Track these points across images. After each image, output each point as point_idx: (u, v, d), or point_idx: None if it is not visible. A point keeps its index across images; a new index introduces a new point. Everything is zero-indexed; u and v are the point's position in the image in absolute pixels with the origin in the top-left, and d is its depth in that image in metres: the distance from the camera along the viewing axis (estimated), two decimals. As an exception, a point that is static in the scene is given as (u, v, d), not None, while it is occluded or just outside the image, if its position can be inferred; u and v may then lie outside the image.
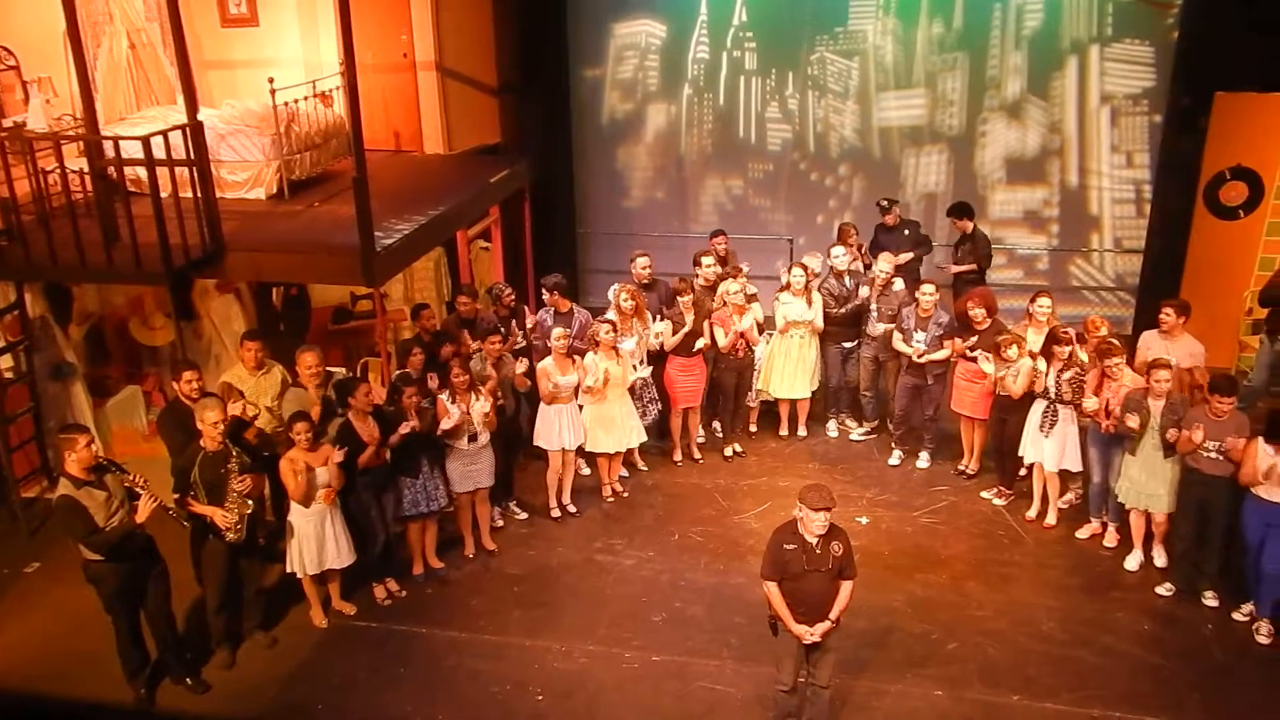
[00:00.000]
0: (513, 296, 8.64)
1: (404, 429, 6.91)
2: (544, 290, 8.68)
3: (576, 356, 8.04)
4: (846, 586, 5.65)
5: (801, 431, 9.45)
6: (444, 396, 7.24)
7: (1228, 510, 6.89)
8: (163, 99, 9.51)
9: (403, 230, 8.05)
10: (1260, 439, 6.57)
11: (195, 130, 7.39)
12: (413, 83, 10.52)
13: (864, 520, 8.12)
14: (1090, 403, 7.37)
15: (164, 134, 7.29)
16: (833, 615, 5.62)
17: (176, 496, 6.31)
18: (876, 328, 8.78)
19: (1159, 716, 6.15)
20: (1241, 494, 6.76)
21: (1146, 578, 7.40)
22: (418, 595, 7.38)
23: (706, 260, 9.07)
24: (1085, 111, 10.79)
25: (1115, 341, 7.56)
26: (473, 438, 7.38)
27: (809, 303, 8.86)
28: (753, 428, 9.47)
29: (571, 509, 8.30)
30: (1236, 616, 6.96)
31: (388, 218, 8.11)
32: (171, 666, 6.50)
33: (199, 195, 7.45)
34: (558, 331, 7.92)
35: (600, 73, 11.69)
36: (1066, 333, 7.68)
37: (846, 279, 9.01)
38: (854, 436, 9.43)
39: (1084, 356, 7.64)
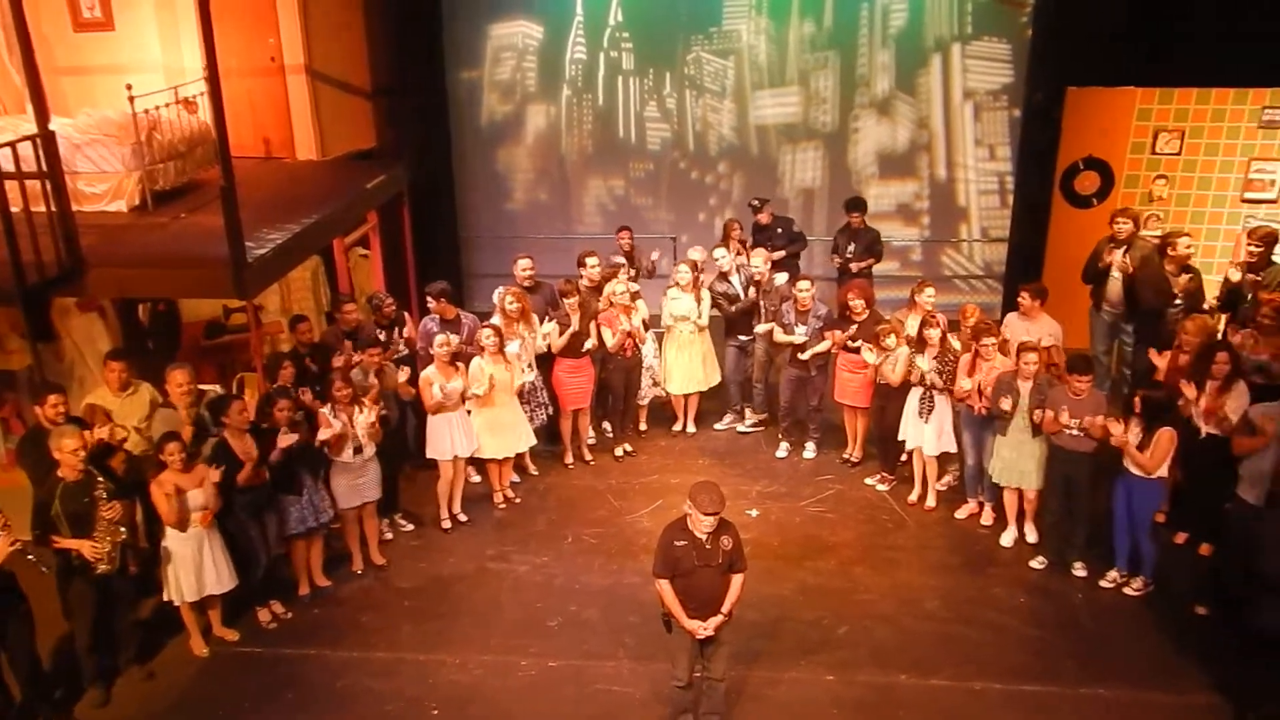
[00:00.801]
0: (393, 306, 8.49)
1: (283, 441, 6.71)
2: (429, 298, 8.55)
3: (460, 363, 7.95)
4: (737, 579, 5.72)
5: (691, 428, 9.54)
6: (326, 409, 7.07)
7: (1090, 484, 7.24)
8: (11, 108, 9.04)
9: (276, 240, 7.81)
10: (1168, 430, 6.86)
11: (47, 140, 7.04)
12: (282, 87, 10.22)
13: (754, 513, 8.24)
14: (964, 383, 7.64)
15: (12, 145, 6.92)
16: (725, 609, 5.68)
17: (37, 534, 5.96)
18: (763, 326, 8.93)
19: (1036, 684, 6.40)
20: (1102, 468, 7.13)
21: (1021, 553, 7.70)
22: (305, 616, 7.17)
23: (591, 261, 9.08)
24: (950, 107, 11.18)
25: (991, 323, 7.87)
26: (358, 450, 7.23)
27: (697, 299, 8.95)
28: (643, 426, 9.52)
29: (463, 518, 8.20)
30: (1103, 584, 7.30)
31: (260, 227, 7.86)
32: (39, 709, 6.15)
33: (53, 209, 7.10)
34: (440, 338, 7.82)
35: (477, 74, 11.59)
36: (934, 317, 7.96)
37: (734, 278, 9.13)
38: (742, 429, 9.56)
39: (956, 344, 7.92)
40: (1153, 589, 7.19)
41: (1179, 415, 7.10)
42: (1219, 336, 7.97)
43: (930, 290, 8.41)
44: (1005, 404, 7.32)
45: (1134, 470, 6.92)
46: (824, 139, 11.46)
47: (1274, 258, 8.48)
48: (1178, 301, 8.49)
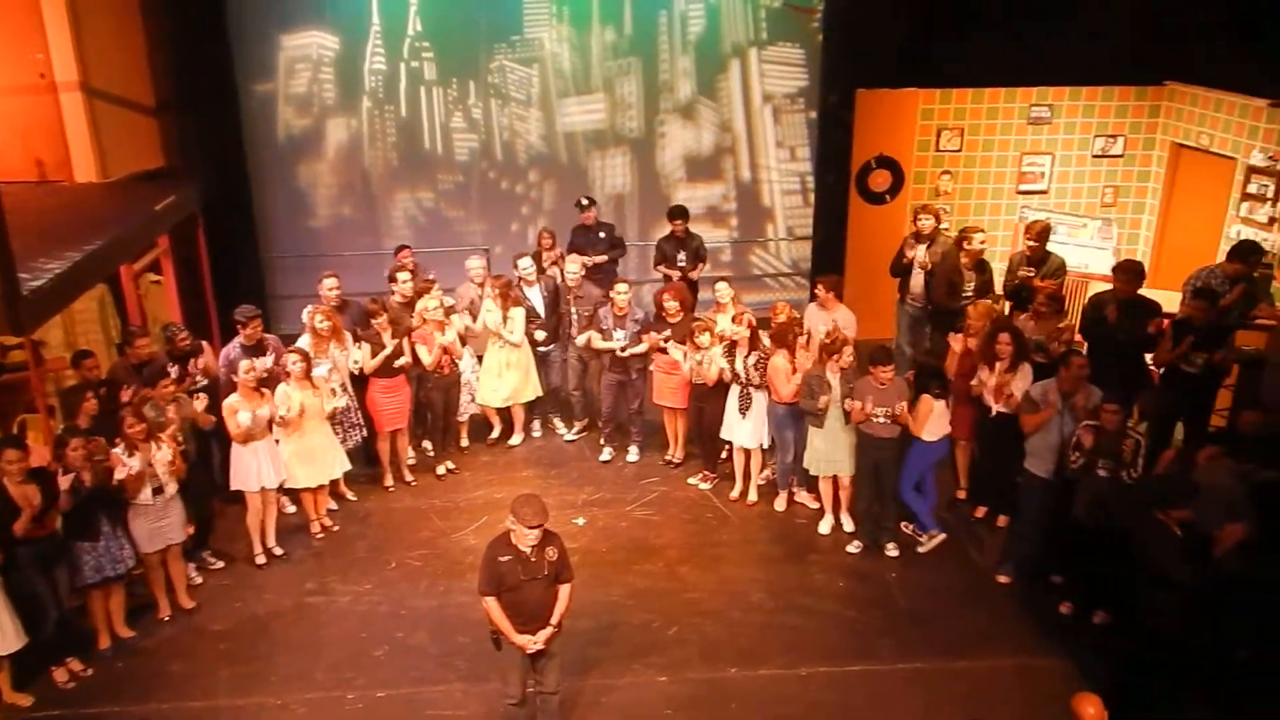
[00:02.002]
0: (187, 338, 8.02)
1: (63, 483, 6.22)
2: (238, 323, 8.11)
3: (266, 389, 7.62)
4: (565, 590, 5.70)
5: (515, 439, 9.46)
6: (118, 449, 6.62)
7: (898, 468, 7.61)
8: None
9: (54, 269, 7.25)
10: (925, 395, 7.34)
11: None
12: (54, 105, 9.51)
13: (581, 521, 8.25)
14: (786, 390, 7.86)
15: None
16: (554, 621, 5.66)
17: None
18: (582, 337, 8.93)
19: (856, 664, 6.68)
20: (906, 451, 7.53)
21: (839, 539, 8.01)
22: (108, 671, 6.69)
23: (402, 276, 8.87)
24: (750, 110, 11.51)
25: (799, 319, 8.13)
26: (158, 490, 6.81)
27: (504, 313, 8.87)
28: (464, 442, 9.37)
29: (278, 551, 7.85)
30: (890, 553, 7.77)
31: (35, 257, 7.28)
32: None
33: None
34: (244, 364, 7.47)
35: (271, 87, 11.13)
36: (740, 316, 8.17)
37: (534, 290, 9.10)
38: (566, 438, 9.55)
39: (768, 341, 8.14)
40: (943, 540, 7.81)
41: (948, 385, 7.64)
42: (1008, 319, 8.50)
43: (721, 285, 8.61)
44: (822, 402, 7.58)
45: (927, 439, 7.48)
46: (631, 144, 11.59)
47: (1049, 248, 9.12)
48: (968, 295, 8.98)
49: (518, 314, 8.90)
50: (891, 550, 7.80)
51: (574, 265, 9.08)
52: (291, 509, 8.26)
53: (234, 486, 7.60)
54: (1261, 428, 6.74)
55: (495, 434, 9.47)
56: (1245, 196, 9.38)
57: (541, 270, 9.37)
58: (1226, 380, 8.56)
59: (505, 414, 9.43)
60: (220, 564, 7.74)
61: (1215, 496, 6.37)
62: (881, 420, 7.42)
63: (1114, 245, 10.30)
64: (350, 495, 8.58)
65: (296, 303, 10.06)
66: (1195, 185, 10.31)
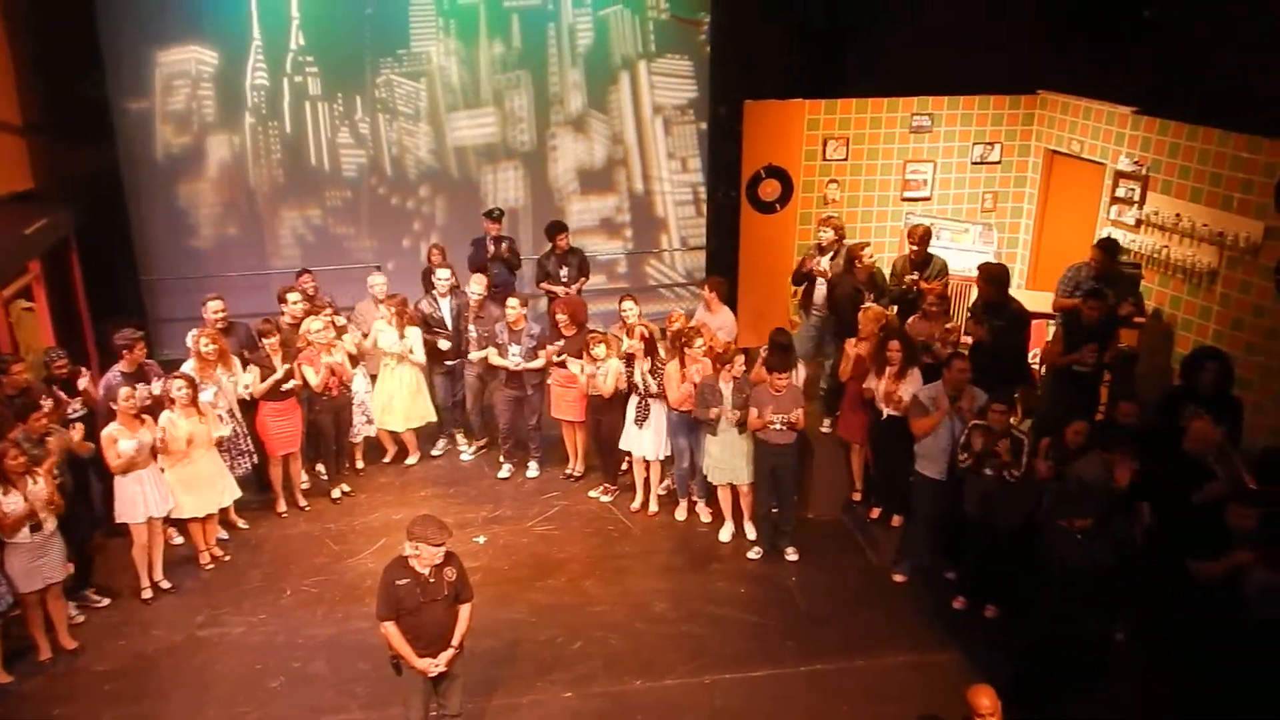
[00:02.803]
0: (64, 364, 7.70)
1: None
2: (119, 347, 7.80)
3: (148, 416, 7.36)
4: (465, 610, 5.66)
5: (411, 459, 9.32)
6: (-10, 488, 6.31)
7: (794, 473, 7.73)
8: None
9: (-87, 300, 6.92)
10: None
11: None
12: (-89, 126, 9.09)
13: (482, 539, 8.17)
14: (676, 396, 7.93)
15: None
16: (455, 642, 5.61)
17: None
18: (480, 353, 8.85)
19: (760, 669, 6.77)
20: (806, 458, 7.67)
21: (739, 546, 8.11)
22: (-18, 719, 6.39)
23: (292, 297, 8.66)
24: (641, 122, 11.60)
25: (696, 327, 8.20)
26: (35, 527, 6.51)
27: (401, 333, 8.75)
28: (359, 464, 9.19)
29: (166, 585, 7.57)
30: (790, 557, 7.91)
31: (-109, 287, 6.94)
32: None
33: None
34: (124, 391, 7.21)
35: (148, 105, 10.77)
36: (635, 328, 8.20)
37: (444, 301, 9.01)
38: (464, 457, 9.45)
39: (662, 352, 8.20)
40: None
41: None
42: (895, 327, 8.72)
43: (628, 304, 8.65)
44: (713, 412, 7.66)
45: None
46: (523, 158, 11.56)
47: (931, 251, 9.38)
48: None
49: (415, 333, 8.78)
50: (791, 554, 7.92)
51: (477, 285, 9.00)
52: (179, 540, 7.99)
53: (119, 519, 7.32)
54: (1137, 419, 7.05)
55: (389, 457, 9.31)
56: (1114, 200, 9.78)
57: (432, 287, 9.25)
58: (1104, 377, 8.95)
59: (398, 436, 9.27)
60: (105, 601, 7.43)
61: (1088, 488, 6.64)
62: (778, 427, 7.53)
63: (995, 249, 10.63)
64: (241, 523, 8.34)
65: (180, 326, 9.75)
66: (1068, 190, 10.72)
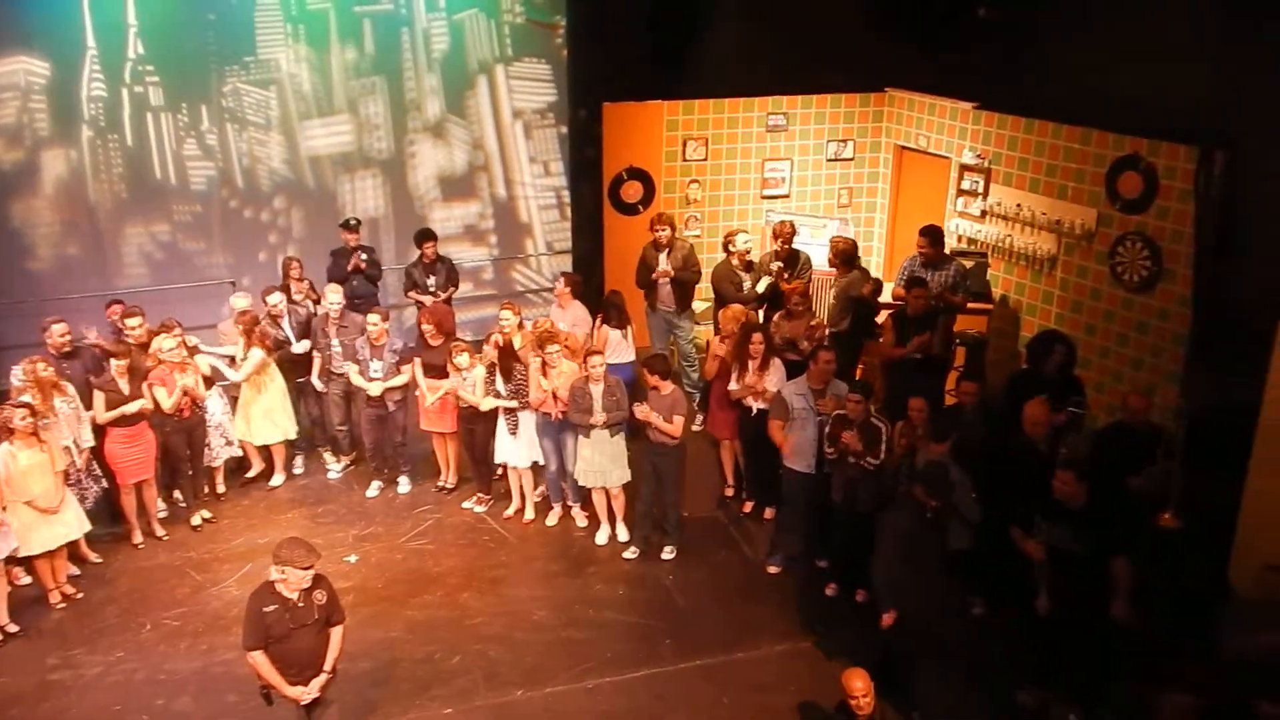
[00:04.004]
0: None
1: None
2: None
3: (-15, 453, 6.95)
4: (337, 633, 5.53)
5: (278, 479, 9.02)
6: None
7: (675, 474, 7.79)
8: None
9: None
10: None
11: None
12: None
13: (353, 559, 7.98)
14: (534, 396, 7.90)
15: None
16: (327, 667, 5.48)
17: None
18: (345, 367, 8.62)
19: (642, 669, 6.81)
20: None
21: (615, 548, 8.13)
22: None
23: (132, 321, 8.28)
24: (501, 127, 11.48)
25: (552, 330, 8.18)
26: None
27: (245, 349, 8.46)
28: (220, 489, 8.85)
29: (12, 629, 7.13)
30: (665, 555, 7.97)
31: None
32: None
33: None
34: (-44, 427, 6.78)
35: (-29, 119, 10.14)
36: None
37: (284, 321, 8.74)
38: (331, 475, 9.21)
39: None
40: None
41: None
42: (758, 321, 8.88)
43: (506, 313, 8.56)
44: (597, 416, 7.65)
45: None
46: (382, 166, 11.30)
47: (795, 247, 9.57)
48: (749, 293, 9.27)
49: (255, 355, 8.46)
50: (667, 553, 7.97)
51: (335, 295, 8.76)
52: (26, 580, 7.54)
53: (-49, 562, 6.88)
54: (977, 396, 7.35)
55: (253, 472, 9.00)
56: (960, 192, 10.22)
57: (292, 302, 9.01)
58: (956, 364, 9.31)
59: (266, 452, 8.98)
60: (-56, 650, 6.98)
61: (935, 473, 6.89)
62: (662, 425, 7.58)
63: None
64: (94, 557, 7.92)
65: (20, 353, 9.15)
66: (918, 184, 11.14)
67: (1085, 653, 6.16)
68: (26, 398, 7.34)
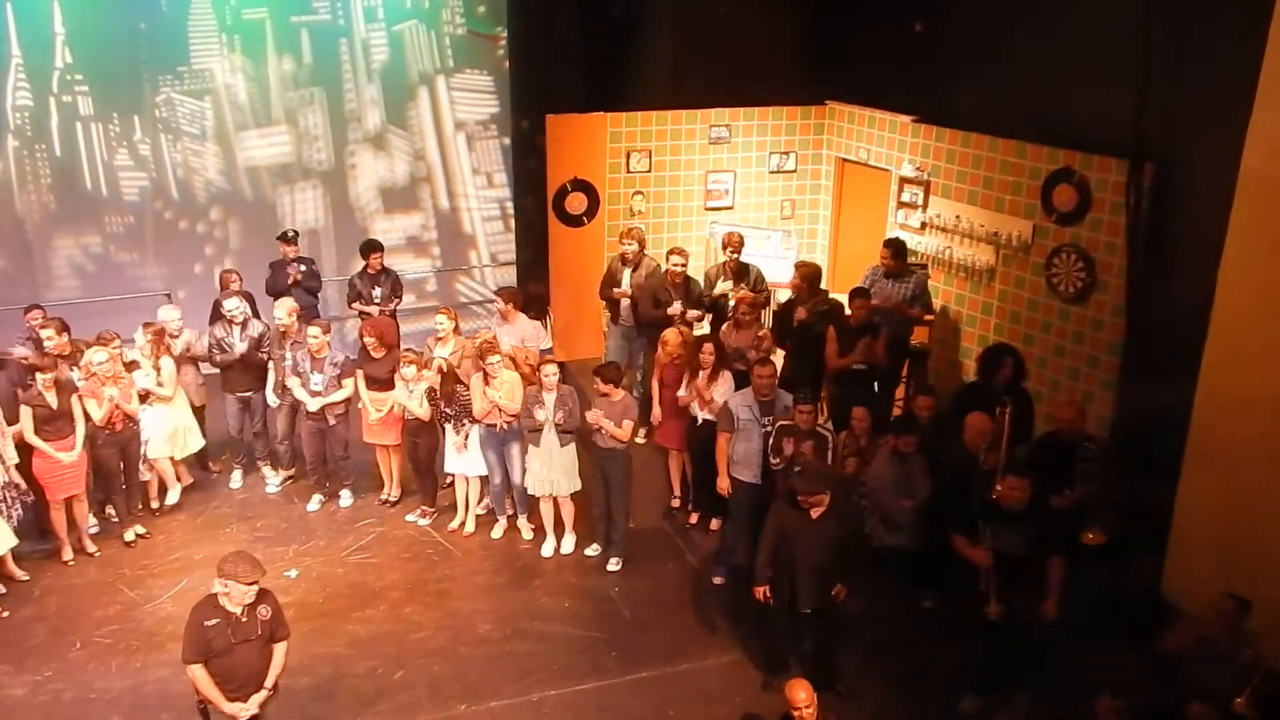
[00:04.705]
0: None
1: None
2: None
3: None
4: (280, 649, 5.45)
5: (171, 495, 8.66)
6: None
7: (622, 482, 7.76)
8: None
9: None
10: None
11: None
12: None
13: (294, 574, 7.81)
14: (479, 408, 7.83)
15: None
16: (268, 683, 5.40)
17: None
18: (291, 381, 8.46)
19: (587, 681, 6.74)
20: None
21: (561, 561, 8.06)
22: None
23: (46, 333, 8.03)
24: (443, 139, 11.42)
25: (492, 341, 8.11)
26: None
27: (156, 367, 8.23)
28: (155, 503, 8.62)
29: (-66, 650, 6.91)
30: (611, 567, 7.94)
31: None
32: None
33: None
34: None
35: (-111, 128, 9.83)
36: (410, 352, 8.19)
37: (236, 329, 8.58)
38: (270, 489, 9.02)
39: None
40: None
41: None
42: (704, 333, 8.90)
43: (441, 317, 8.50)
44: (540, 414, 7.60)
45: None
46: (321, 177, 11.17)
47: (744, 259, 9.61)
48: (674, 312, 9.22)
49: (167, 364, 8.26)
50: (613, 565, 7.93)
51: (282, 310, 8.60)
52: (-54, 601, 7.29)
53: None
54: (932, 410, 7.50)
55: (162, 502, 8.70)
56: (900, 204, 10.36)
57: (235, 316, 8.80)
58: (903, 374, 9.42)
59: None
60: None
61: (890, 477, 7.01)
62: (602, 433, 7.56)
63: (795, 255, 11.03)
64: (21, 575, 7.66)
65: (-58, 367, 8.90)
66: (859, 195, 11.28)
67: (1030, 653, 6.26)
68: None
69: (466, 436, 8.08)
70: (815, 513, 6.18)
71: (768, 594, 6.43)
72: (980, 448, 6.99)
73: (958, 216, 9.64)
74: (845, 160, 11.34)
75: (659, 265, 9.55)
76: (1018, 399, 7.50)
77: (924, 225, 10.08)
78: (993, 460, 6.88)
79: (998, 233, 9.21)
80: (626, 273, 9.50)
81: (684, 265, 9.25)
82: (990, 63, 9.19)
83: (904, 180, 10.28)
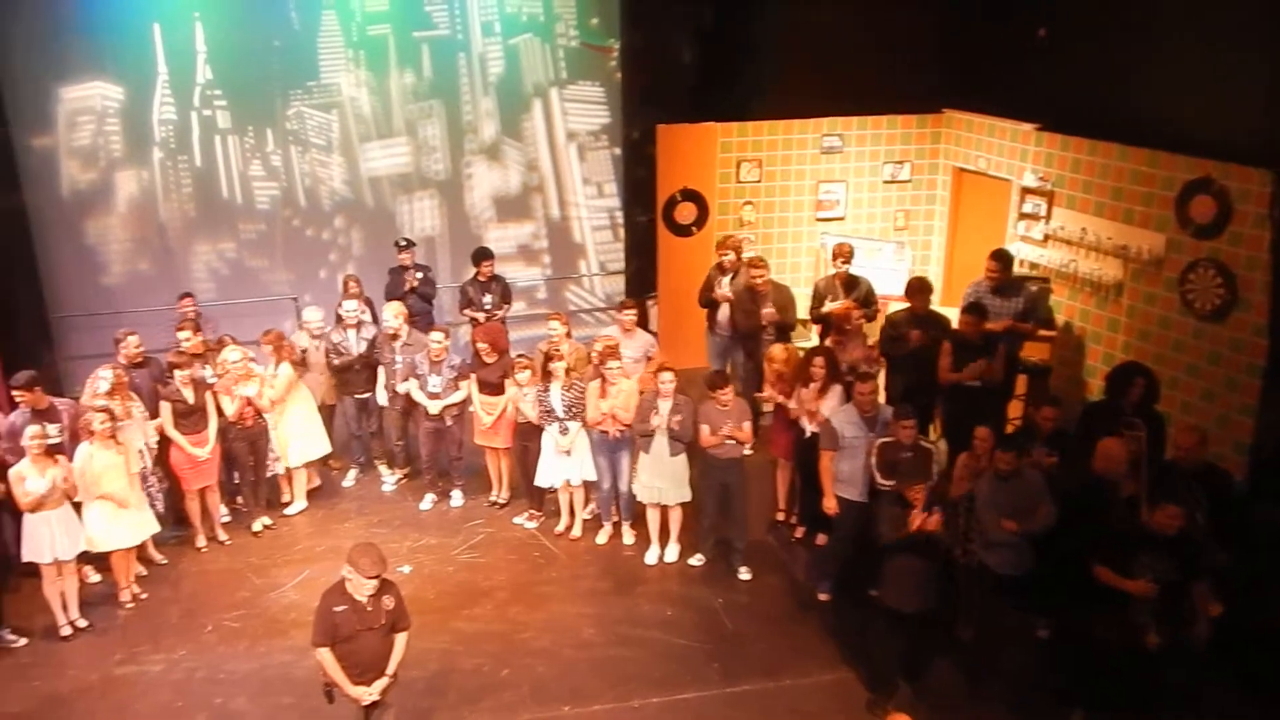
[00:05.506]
0: None
1: None
2: (14, 389, 7.61)
3: (61, 455, 7.19)
4: (401, 639, 5.64)
5: (297, 506, 9.03)
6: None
7: (744, 490, 7.79)
8: None
9: None
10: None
11: None
12: None
13: (407, 569, 8.08)
14: (592, 415, 7.95)
15: None
16: (390, 670, 5.58)
17: None
18: (406, 385, 8.75)
19: (687, 691, 6.78)
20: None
21: (664, 569, 8.12)
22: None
23: (183, 335, 8.50)
24: (555, 149, 11.65)
25: (614, 346, 8.25)
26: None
27: (276, 365, 8.61)
28: (286, 498, 9.03)
29: (82, 623, 7.37)
30: (743, 576, 7.92)
31: None
32: None
33: None
34: (32, 430, 7.03)
35: (51, 141, 10.52)
36: (558, 350, 8.24)
37: (351, 332, 8.92)
38: (386, 487, 9.35)
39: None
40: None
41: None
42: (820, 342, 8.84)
43: (554, 323, 8.67)
44: (655, 420, 7.68)
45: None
46: (439, 187, 11.52)
47: (855, 270, 9.51)
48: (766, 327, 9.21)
49: (284, 370, 8.62)
50: (744, 574, 7.94)
51: (390, 313, 8.92)
52: (95, 578, 7.81)
53: (26, 557, 7.15)
54: (1054, 422, 7.25)
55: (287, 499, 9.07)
56: (1021, 215, 10.05)
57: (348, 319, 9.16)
58: (1017, 392, 9.15)
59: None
60: (22, 641, 7.25)
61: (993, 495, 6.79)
62: (730, 442, 7.59)
63: (908, 267, 10.87)
64: (160, 558, 8.17)
65: (92, 363, 9.44)
66: (977, 206, 11.02)
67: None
68: (103, 402, 7.57)
69: (571, 441, 8.19)
70: (910, 527, 6.14)
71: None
72: (1119, 474, 6.67)
73: (1084, 229, 9.28)
74: (963, 170, 11.11)
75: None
76: (1150, 421, 7.22)
77: (1046, 238, 9.75)
78: (1131, 487, 6.59)
79: (1127, 246, 8.81)
80: (724, 280, 9.53)
81: (764, 276, 9.20)
82: (1120, 67, 8.76)
83: (1026, 191, 9.97)
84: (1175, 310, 8.38)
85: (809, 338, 9.29)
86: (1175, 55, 8.26)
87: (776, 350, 8.32)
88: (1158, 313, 8.59)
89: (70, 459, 7.27)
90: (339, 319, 9.08)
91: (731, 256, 9.52)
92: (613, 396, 7.94)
